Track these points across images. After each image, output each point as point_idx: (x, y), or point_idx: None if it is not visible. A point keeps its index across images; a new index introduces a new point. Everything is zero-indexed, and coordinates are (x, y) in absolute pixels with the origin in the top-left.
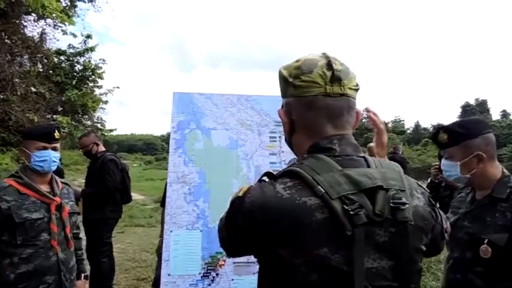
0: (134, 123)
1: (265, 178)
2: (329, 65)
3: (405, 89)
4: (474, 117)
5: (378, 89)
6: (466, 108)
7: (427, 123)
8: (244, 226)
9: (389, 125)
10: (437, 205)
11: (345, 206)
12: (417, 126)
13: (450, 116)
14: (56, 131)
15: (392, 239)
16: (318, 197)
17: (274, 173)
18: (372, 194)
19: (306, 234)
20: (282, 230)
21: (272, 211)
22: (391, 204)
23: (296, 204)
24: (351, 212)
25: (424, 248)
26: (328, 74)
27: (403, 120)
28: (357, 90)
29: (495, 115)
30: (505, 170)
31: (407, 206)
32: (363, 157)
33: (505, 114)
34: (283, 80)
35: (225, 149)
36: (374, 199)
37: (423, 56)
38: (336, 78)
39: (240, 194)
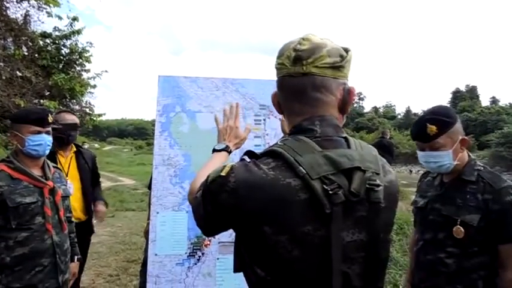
0: (124, 108)
1: (246, 157)
2: (296, 46)
3: (397, 75)
4: (442, 105)
5: (370, 74)
6: (457, 94)
7: (418, 108)
8: (229, 204)
9: (381, 110)
10: None
11: (324, 186)
12: (408, 111)
13: (441, 101)
14: (49, 115)
15: (368, 215)
16: (300, 178)
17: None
18: (349, 174)
19: (290, 212)
20: (267, 208)
21: (258, 189)
22: (367, 185)
23: (281, 184)
24: (330, 192)
25: (393, 220)
26: (292, 54)
27: (394, 106)
28: (334, 67)
29: (484, 101)
30: (470, 154)
31: (380, 188)
32: (345, 137)
33: (494, 100)
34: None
35: (210, 132)
36: (351, 179)
37: (415, 42)
38: (297, 58)
39: (223, 173)
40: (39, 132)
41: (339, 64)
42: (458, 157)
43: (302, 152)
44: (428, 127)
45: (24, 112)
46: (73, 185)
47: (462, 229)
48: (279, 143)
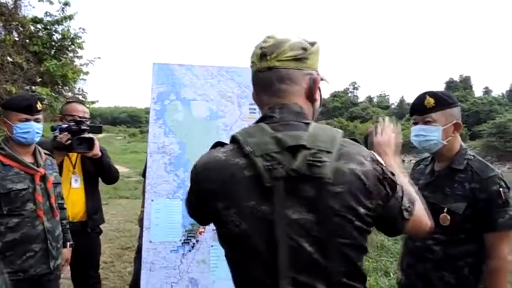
0: (117, 96)
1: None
2: (261, 44)
3: (391, 64)
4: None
5: (364, 64)
6: (450, 84)
7: (412, 98)
8: (197, 188)
9: (375, 100)
10: None
11: (265, 162)
12: (402, 101)
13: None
14: (38, 103)
15: (315, 195)
16: (246, 156)
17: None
18: (295, 152)
19: (237, 188)
20: (219, 185)
21: (210, 170)
22: (308, 161)
23: (230, 164)
24: (269, 167)
25: (361, 209)
26: (258, 52)
27: (388, 95)
28: (296, 59)
29: (478, 92)
30: (462, 143)
31: (325, 164)
32: (307, 123)
33: (487, 91)
34: None
35: (205, 120)
36: (296, 157)
37: (409, 32)
38: (262, 55)
39: (195, 163)
40: (27, 120)
41: (302, 56)
42: (450, 142)
43: (255, 135)
44: (427, 99)
45: (13, 99)
46: (79, 178)
47: (448, 217)
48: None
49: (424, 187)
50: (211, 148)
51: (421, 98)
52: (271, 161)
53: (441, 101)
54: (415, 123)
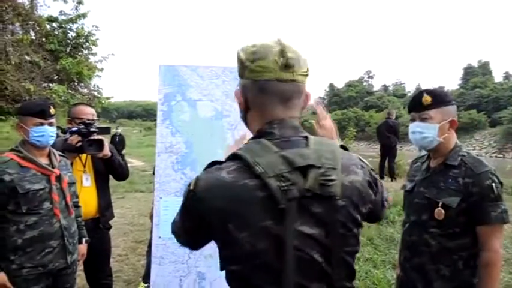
0: (132, 90)
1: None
2: (282, 52)
3: (406, 51)
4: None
5: (379, 51)
6: (468, 70)
7: (429, 86)
8: (199, 211)
9: (390, 88)
10: None
11: (278, 183)
12: (418, 89)
13: (452, 78)
14: (51, 107)
15: (325, 211)
16: (257, 177)
17: (222, 159)
18: (305, 171)
19: (250, 209)
20: (228, 206)
21: (219, 192)
22: (320, 181)
23: (238, 185)
24: (284, 188)
25: (359, 217)
26: (281, 61)
27: (404, 83)
28: (306, 75)
29: (497, 77)
30: (457, 140)
31: (334, 182)
32: (305, 137)
33: (507, 76)
34: (240, 62)
35: (211, 119)
36: (306, 176)
37: (425, 17)
38: (288, 66)
39: (192, 187)
40: (41, 124)
41: (308, 73)
42: (445, 138)
43: (261, 153)
44: (424, 96)
45: (27, 105)
46: (90, 177)
47: (443, 211)
48: (242, 147)
49: (420, 183)
50: (207, 168)
51: (418, 96)
52: (285, 182)
53: (438, 98)
54: (413, 120)
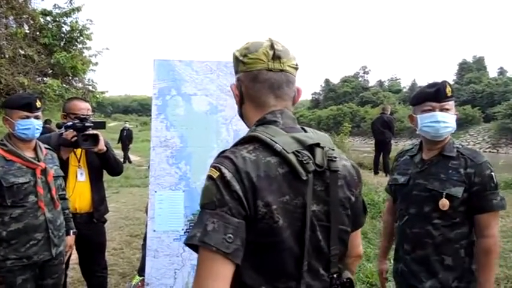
0: (127, 84)
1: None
2: (271, 45)
3: (402, 47)
4: None
5: (374, 47)
6: (463, 66)
7: (424, 81)
8: (237, 194)
9: (386, 84)
10: None
11: (298, 157)
12: (413, 84)
13: (447, 73)
14: (38, 101)
15: (327, 188)
16: (277, 154)
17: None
18: (312, 150)
19: (273, 185)
20: (258, 183)
21: (245, 172)
22: (327, 157)
23: (262, 163)
24: (304, 162)
25: (352, 198)
26: (271, 52)
27: (399, 79)
28: (296, 68)
29: (492, 72)
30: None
31: (337, 159)
32: (301, 127)
33: (501, 71)
34: (235, 59)
35: (206, 114)
36: (314, 154)
37: (420, 13)
38: (276, 56)
39: (216, 176)
40: (27, 117)
41: (297, 67)
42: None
43: (274, 134)
44: (448, 87)
45: (14, 98)
46: (84, 172)
47: (447, 201)
48: (250, 131)
49: (416, 175)
50: (219, 156)
51: (442, 86)
52: (303, 157)
53: (454, 91)
54: (430, 110)
